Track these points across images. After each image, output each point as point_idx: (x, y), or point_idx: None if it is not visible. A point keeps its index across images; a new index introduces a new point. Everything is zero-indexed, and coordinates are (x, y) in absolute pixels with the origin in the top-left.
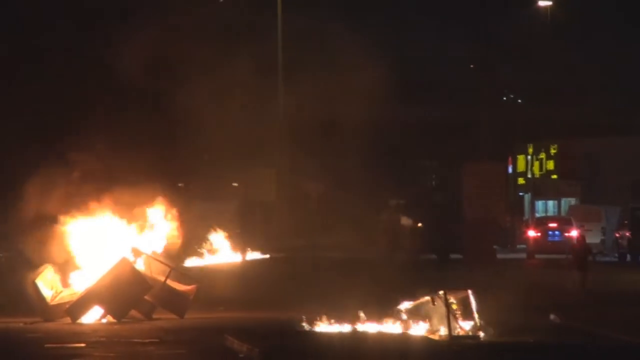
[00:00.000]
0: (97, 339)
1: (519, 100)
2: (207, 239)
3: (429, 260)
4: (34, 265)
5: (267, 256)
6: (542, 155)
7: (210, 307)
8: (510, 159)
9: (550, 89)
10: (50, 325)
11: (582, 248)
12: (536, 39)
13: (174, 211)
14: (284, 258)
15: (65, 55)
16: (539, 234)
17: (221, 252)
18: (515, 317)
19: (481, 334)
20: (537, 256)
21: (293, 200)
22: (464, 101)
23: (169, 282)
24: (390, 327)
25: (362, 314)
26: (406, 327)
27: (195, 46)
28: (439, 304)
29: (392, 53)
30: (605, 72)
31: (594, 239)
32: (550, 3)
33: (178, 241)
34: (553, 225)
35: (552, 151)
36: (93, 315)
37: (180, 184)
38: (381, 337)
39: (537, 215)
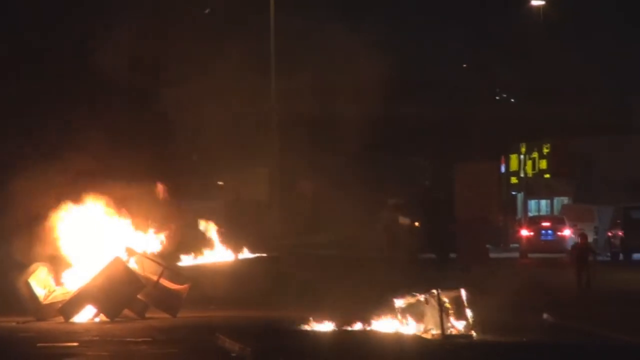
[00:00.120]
0: (90, 338)
1: (512, 100)
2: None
3: (428, 259)
4: (23, 265)
5: (263, 255)
6: (535, 155)
7: (203, 306)
8: (502, 158)
9: (544, 88)
10: (42, 325)
11: (583, 247)
12: (529, 38)
13: (166, 209)
14: (277, 257)
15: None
16: (531, 233)
17: (213, 251)
18: (508, 316)
19: (473, 333)
20: (529, 255)
21: (286, 200)
22: (457, 100)
23: (162, 281)
24: (384, 325)
25: (355, 313)
26: (399, 326)
27: (186, 44)
28: (432, 303)
29: (386, 52)
30: (598, 71)
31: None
32: (543, 3)
33: (170, 240)
34: (546, 224)
35: (545, 150)
36: (86, 315)
37: (169, 183)
38: (374, 336)
39: (530, 214)
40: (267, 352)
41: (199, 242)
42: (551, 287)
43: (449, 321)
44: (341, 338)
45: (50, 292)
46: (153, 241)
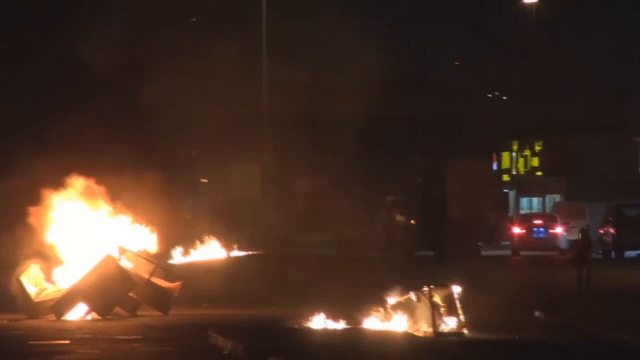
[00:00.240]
0: (82, 336)
1: (504, 97)
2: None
3: (425, 257)
4: (14, 263)
5: (255, 253)
6: (527, 152)
7: (195, 304)
8: (494, 156)
9: (536, 86)
10: (34, 322)
11: (584, 243)
12: (522, 36)
13: (156, 207)
14: (269, 255)
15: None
16: (523, 231)
17: (206, 248)
18: (500, 313)
19: (465, 331)
20: (521, 253)
21: (281, 198)
22: (449, 98)
23: (154, 279)
24: (375, 323)
25: (348, 311)
26: (391, 323)
27: (177, 39)
28: (424, 300)
29: (381, 51)
30: (590, 69)
31: (578, 235)
32: (535, 0)
33: (162, 239)
34: (538, 222)
35: (537, 148)
36: (78, 312)
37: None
38: (365, 334)
39: (522, 212)
40: (260, 349)
41: (190, 240)
42: (544, 284)
43: (440, 319)
44: (333, 336)
45: (42, 290)
46: (145, 238)
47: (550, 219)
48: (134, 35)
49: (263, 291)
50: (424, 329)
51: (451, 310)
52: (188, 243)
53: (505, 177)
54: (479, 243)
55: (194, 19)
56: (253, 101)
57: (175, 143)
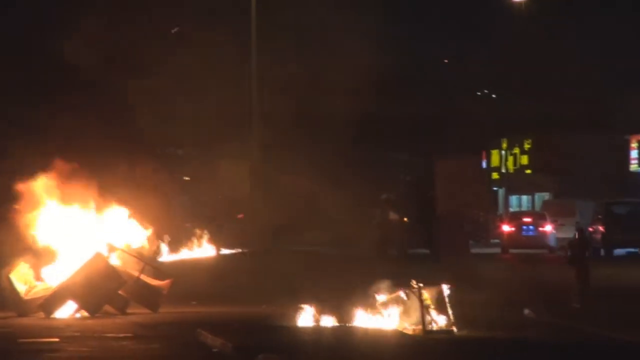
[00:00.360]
0: (71, 334)
1: (493, 95)
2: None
3: (420, 255)
4: (3, 261)
5: (243, 251)
6: (516, 150)
7: (184, 302)
8: (484, 153)
9: (525, 84)
10: (23, 320)
11: (580, 242)
12: (512, 34)
13: (146, 205)
14: (259, 253)
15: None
16: (513, 229)
17: (195, 246)
18: (489, 311)
19: (454, 329)
20: (511, 251)
21: (269, 194)
22: (438, 96)
23: (143, 277)
24: (365, 321)
25: (337, 308)
26: (380, 321)
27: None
28: (413, 298)
29: (370, 48)
30: (579, 67)
31: (567, 233)
32: None
33: (151, 236)
34: (527, 220)
35: (526, 146)
36: (67, 310)
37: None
38: (355, 332)
39: (511, 210)
40: (249, 347)
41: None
42: (534, 282)
43: (430, 317)
44: (323, 334)
45: (31, 288)
46: (136, 235)
47: (539, 217)
48: (117, 29)
49: (252, 289)
50: (413, 326)
51: (441, 308)
52: (177, 240)
53: (495, 175)
54: (470, 241)
55: (176, 29)
56: (242, 96)
57: (161, 140)
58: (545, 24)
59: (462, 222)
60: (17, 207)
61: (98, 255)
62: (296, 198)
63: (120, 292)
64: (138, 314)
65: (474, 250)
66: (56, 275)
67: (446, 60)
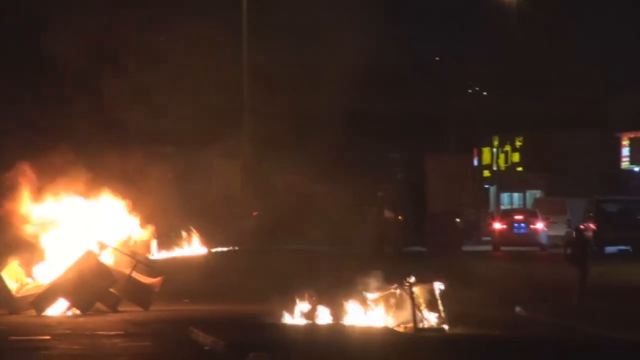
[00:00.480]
0: (63, 332)
1: (484, 93)
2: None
3: (416, 252)
4: None
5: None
6: (508, 148)
7: (176, 300)
8: (475, 151)
9: (516, 81)
10: (15, 318)
11: (580, 241)
12: (502, 30)
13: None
14: (251, 251)
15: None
16: (504, 227)
17: (187, 244)
18: (481, 309)
19: (445, 327)
20: (502, 248)
21: (261, 192)
22: (430, 93)
23: (134, 275)
24: (357, 319)
25: (328, 306)
26: (372, 319)
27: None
28: (405, 296)
29: (360, 44)
30: (571, 65)
31: (559, 231)
32: None
33: (143, 233)
34: (519, 217)
35: (518, 143)
36: (58, 308)
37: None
38: (346, 329)
39: (503, 207)
40: (240, 345)
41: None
42: (525, 280)
43: (421, 314)
44: (314, 331)
45: (23, 286)
46: (126, 233)
47: (531, 215)
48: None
49: (244, 287)
50: (405, 324)
51: (432, 306)
52: (169, 238)
53: (486, 173)
54: (463, 240)
55: (163, 38)
56: (234, 93)
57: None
58: (537, 22)
59: (454, 220)
60: (6, 203)
61: (89, 253)
62: (290, 196)
63: (111, 289)
64: (130, 311)
65: (465, 248)
66: (48, 273)
67: (437, 58)
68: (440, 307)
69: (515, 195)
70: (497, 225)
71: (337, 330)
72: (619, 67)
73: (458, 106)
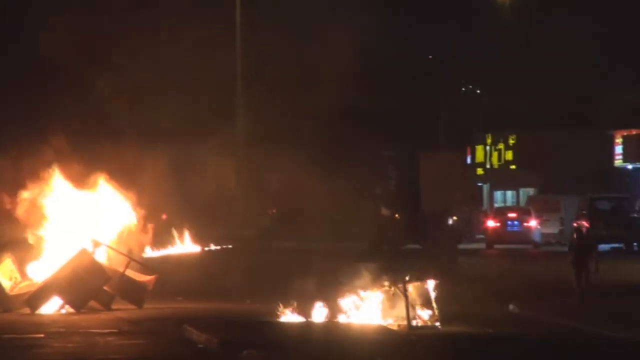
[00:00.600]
0: (56, 330)
1: (478, 91)
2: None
3: (413, 250)
4: None
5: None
6: (501, 146)
7: (170, 298)
8: (468, 149)
9: (509, 79)
10: (8, 316)
11: (585, 241)
12: (496, 28)
13: (131, 201)
14: (244, 249)
15: None
16: (498, 224)
17: (181, 242)
18: (474, 306)
19: (438, 324)
20: (496, 246)
21: (251, 191)
22: (423, 92)
23: (128, 273)
24: (350, 316)
25: (320, 304)
26: (366, 316)
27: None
28: (399, 293)
29: (352, 42)
30: (563, 62)
31: (552, 229)
32: None
33: (136, 231)
34: (512, 215)
35: (511, 141)
36: (52, 306)
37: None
38: (340, 327)
39: (496, 205)
40: (234, 343)
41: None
42: (519, 278)
43: (414, 312)
44: (307, 329)
45: (17, 284)
46: (119, 232)
47: (524, 213)
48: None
49: (238, 285)
50: (399, 322)
51: (426, 303)
52: (163, 236)
53: (479, 171)
54: (460, 240)
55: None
56: (227, 89)
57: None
58: (530, 19)
59: (447, 218)
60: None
61: (83, 251)
62: (284, 193)
63: (105, 287)
64: (123, 309)
65: (458, 246)
66: (42, 271)
67: (431, 57)
68: (434, 305)
69: (509, 193)
70: (491, 223)
71: (331, 328)
72: (612, 65)
73: (451, 104)
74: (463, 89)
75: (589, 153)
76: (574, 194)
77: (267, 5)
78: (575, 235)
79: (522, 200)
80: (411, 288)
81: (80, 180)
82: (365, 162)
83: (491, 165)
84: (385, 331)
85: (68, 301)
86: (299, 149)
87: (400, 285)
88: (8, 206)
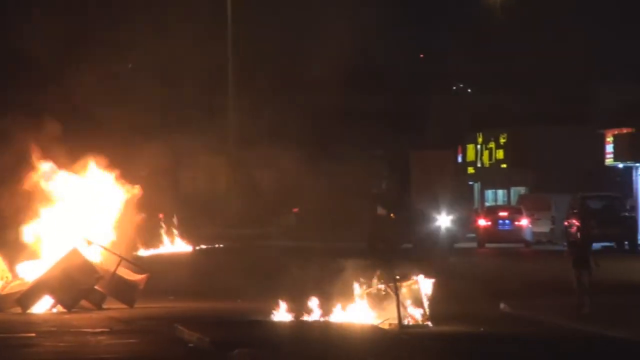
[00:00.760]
0: (48, 329)
1: (469, 90)
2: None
3: (407, 249)
4: None
5: (220, 246)
6: (492, 145)
7: (161, 297)
8: (459, 148)
9: (500, 77)
10: (0, 315)
11: (583, 241)
12: (487, 27)
13: (124, 200)
14: (235, 248)
15: None
16: (489, 223)
17: (172, 241)
18: (465, 305)
19: (429, 323)
20: (487, 245)
21: (242, 190)
22: (414, 90)
23: (119, 272)
24: (342, 315)
25: (313, 303)
26: (358, 315)
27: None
28: (390, 292)
29: (342, 42)
30: (555, 60)
31: (543, 227)
32: None
33: (128, 230)
34: (503, 214)
35: (502, 140)
36: (43, 305)
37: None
38: (331, 326)
39: (487, 204)
40: (226, 342)
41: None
42: (510, 276)
43: (406, 311)
44: (299, 328)
45: (8, 283)
46: (111, 230)
47: (515, 211)
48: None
49: (229, 284)
50: (390, 321)
51: (417, 303)
52: (154, 236)
53: (470, 170)
54: (456, 240)
55: (130, 65)
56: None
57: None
58: (521, 18)
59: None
60: None
61: (74, 250)
62: (275, 191)
63: (96, 287)
64: (114, 309)
65: (455, 246)
66: (33, 270)
67: (422, 55)
68: (425, 304)
69: (500, 192)
70: (482, 222)
71: (322, 327)
72: (603, 64)
73: (442, 103)
74: (454, 87)
75: (580, 152)
76: (565, 192)
77: (258, 4)
78: (579, 236)
79: (514, 199)
80: (402, 287)
81: (71, 178)
82: (358, 162)
83: (482, 164)
84: (376, 330)
85: (59, 300)
86: (290, 149)
87: (391, 284)
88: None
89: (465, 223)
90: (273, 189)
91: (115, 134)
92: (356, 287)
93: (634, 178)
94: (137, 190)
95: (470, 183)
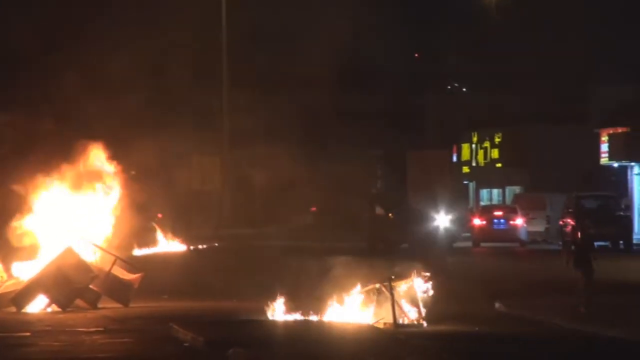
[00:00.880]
0: (43, 328)
1: (464, 89)
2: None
3: (404, 249)
4: None
5: (215, 245)
6: (487, 144)
7: (156, 296)
8: (454, 147)
9: (496, 77)
10: None
11: (583, 241)
12: (482, 26)
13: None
14: (230, 247)
15: None
16: (484, 222)
17: (166, 241)
18: (461, 305)
19: (424, 323)
20: (482, 244)
21: (236, 189)
22: (412, 90)
23: (114, 271)
24: (337, 315)
25: (309, 302)
26: (353, 315)
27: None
28: (385, 292)
29: (337, 41)
30: (551, 60)
31: (538, 227)
32: None
33: (124, 230)
34: (498, 213)
35: (497, 139)
36: (38, 305)
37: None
38: (326, 325)
39: (482, 203)
40: (220, 341)
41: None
42: (505, 276)
43: (401, 310)
44: (294, 327)
45: (2, 282)
46: (106, 229)
47: (510, 211)
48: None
49: (224, 283)
50: (385, 320)
51: (412, 302)
52: (149, 235)
53: (465, 169)
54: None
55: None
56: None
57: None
58: (517, 18)
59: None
60: None
61: (69, 250)
62: (269, 191)
63: (91, 286)
64: (109, 308)
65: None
66: (27, 269)
67: (417, 55)
68: (420, 303)
69: (495, 191)
70: (477, 222)
71: (317, 327)
72: (598, 64)
73: (437, 103)
74: (449, 87)
75: (575, 151)
76: (560, 192)
77: (256, 3)
78: (580, 236)
79: (509, 199)
80: (397, 286)
81: (65, 177)
82: (356, 161)
83: (477, 163)
84: (371, 329)
85: (54, 300)
86: (284, 149)
87: (386, 284)
88: None
89: (462, 222)
90: (267, 189)
91: (107, 132)
92: (352, 286)
93: (628, 177)
94: (133, 189)
95: (465, 182)
